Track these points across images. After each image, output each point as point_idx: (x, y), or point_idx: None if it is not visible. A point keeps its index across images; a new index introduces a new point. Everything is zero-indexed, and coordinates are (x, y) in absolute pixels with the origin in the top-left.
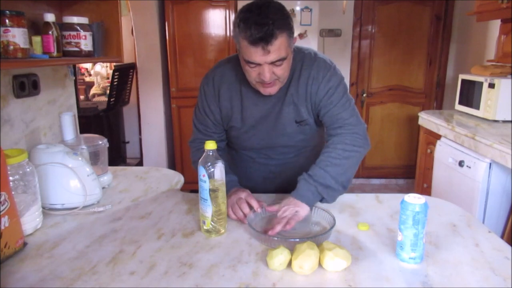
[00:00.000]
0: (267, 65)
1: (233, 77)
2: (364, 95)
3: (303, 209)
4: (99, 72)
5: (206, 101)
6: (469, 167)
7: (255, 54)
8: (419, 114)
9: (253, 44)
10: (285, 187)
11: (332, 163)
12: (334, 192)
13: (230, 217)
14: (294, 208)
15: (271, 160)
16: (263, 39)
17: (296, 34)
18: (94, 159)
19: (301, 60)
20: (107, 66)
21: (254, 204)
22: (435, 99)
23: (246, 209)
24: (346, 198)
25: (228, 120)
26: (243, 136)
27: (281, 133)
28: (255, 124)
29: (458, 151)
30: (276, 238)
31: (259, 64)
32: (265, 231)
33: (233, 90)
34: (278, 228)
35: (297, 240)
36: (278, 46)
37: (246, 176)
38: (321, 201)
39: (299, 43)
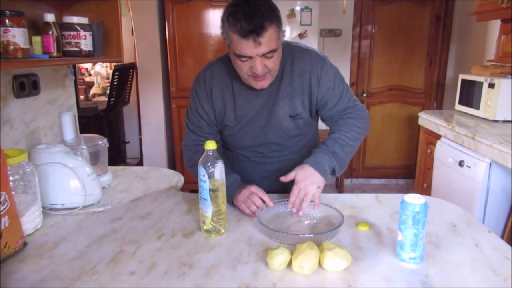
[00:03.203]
0: (259, 57)
1: (224, 76)
2: (364, 95)
3: (322, 183)
4: (99, 72)
5: (199, 102)
6: (469, 167)
7: (247, 47)
8: (419, 114)
9: (244, 37)
10: (282, 186)
11: (348, 144)
12: (342, 170)
13: (245, 212)
14: (315, 184)
15: (266, 158)
16: (254, 31)
17: (296, 34)
18: (94, 159)
19: (291, 53)
20: (107, 66)
21: (266, 198)
22: (435, 99)
23: (259, 201)
24: (346, 198)
25: (221, 119)
26: (237, 134)
27: (276, 128)
28: (248, 121)
29: (458, 151)
30: (285, 234)
31: (250, 57)
32: (296, 208)
33: (225, 89)
34: (306, 205)
35: (307, 235)
36: (269, 38)
37: (242, 176)
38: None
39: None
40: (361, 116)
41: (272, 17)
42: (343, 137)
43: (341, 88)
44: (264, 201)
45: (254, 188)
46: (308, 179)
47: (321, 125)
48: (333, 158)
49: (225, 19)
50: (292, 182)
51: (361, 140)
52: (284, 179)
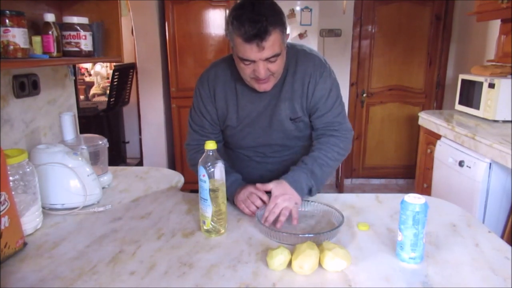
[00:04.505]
0: (262, 61)
1: (228, 76)
2: (364, 95)
3: (299, 201)
4: (99, 72)
5: (202, 102)
6: (469, 167)
7: (250, 51)
8: (419, 114)
9: (248, 41)
10: None
11: (328, 164)
12: (319, 190)
13: (244, 211)
14: (292, 200)
15: (267, 158)
16: (258, 36)
17: (296, 34)
18: (94, 159)
19: (295, 55)
20: (107, 66)
21: (265, 198)
22: (435, 99)
23: (258, 201)
24: (346, 198)
25: (223, 119)
26: (238, 135)
27: (277, 130)
28: (250, 122)
29: (458, 151)
30: (285, 234)
31: (253, 61)
32: (268, 221)
33: (228, 90)
34: (283, 220)
35: (306, 235)
36: (272, 43)
37: (243, 175)
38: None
39: (299, 43)
40: (345, 137)
41: (277, 21)
42: (323, 156)
43: (334, 101)
44: (264, 201)
45: (253, 188)
46: (285, 195)
47: None
48: (311, 178)
49: (229, 22)
50: None
51: (340, 160)
52: (261, 187)
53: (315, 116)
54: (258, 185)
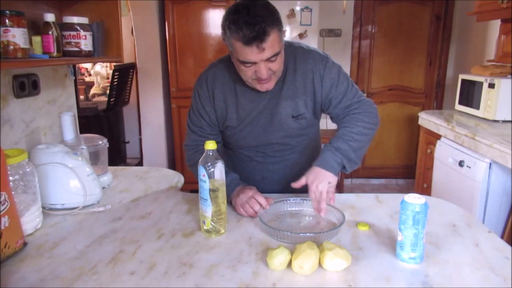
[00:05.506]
0: (263, 62)
1: (227, 77)
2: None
3: (333, 179)
4: (99, 72)
5: (200, 103)
6: (469, 167)
7: (251, 53)
8: (419, 114)
9: (248, 44)
10: (284, 186)
11: (354, 139)
12: (353, 164)
13: (242, 215)
14: (325, 181)
15: (268, 158)
16: (257, 38)
17: (296, 34)
18: (94, 159)
19: (293, 53)
20: (107, 66)
21: (262, 201)
22: (435, 99)
23: (256, 207)
24: (346, 198)
25: (223, 120)
26: (239, 135)
27: (278, 128)
28: (251, 121)
29: (458, 151)
30: (286, 233)
31: (254, 63)
32: (318, 211)
33: (227, 90)
34: (324, 205)
35: (307, 234)
36: (272, 43)
37: (244, 176)
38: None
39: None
40: (368, 111)
41: (273, 21)
42: (347, 132)
43: (345, 85)
44: (262, 206)
45: (252, 193)
46: (317, 179)
47: (323, 125)
48: (337, 153)
49: (226, 27)
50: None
51: (370, 135)
52: (295, 185)
53: (333, 105)
54: (293, 184)
